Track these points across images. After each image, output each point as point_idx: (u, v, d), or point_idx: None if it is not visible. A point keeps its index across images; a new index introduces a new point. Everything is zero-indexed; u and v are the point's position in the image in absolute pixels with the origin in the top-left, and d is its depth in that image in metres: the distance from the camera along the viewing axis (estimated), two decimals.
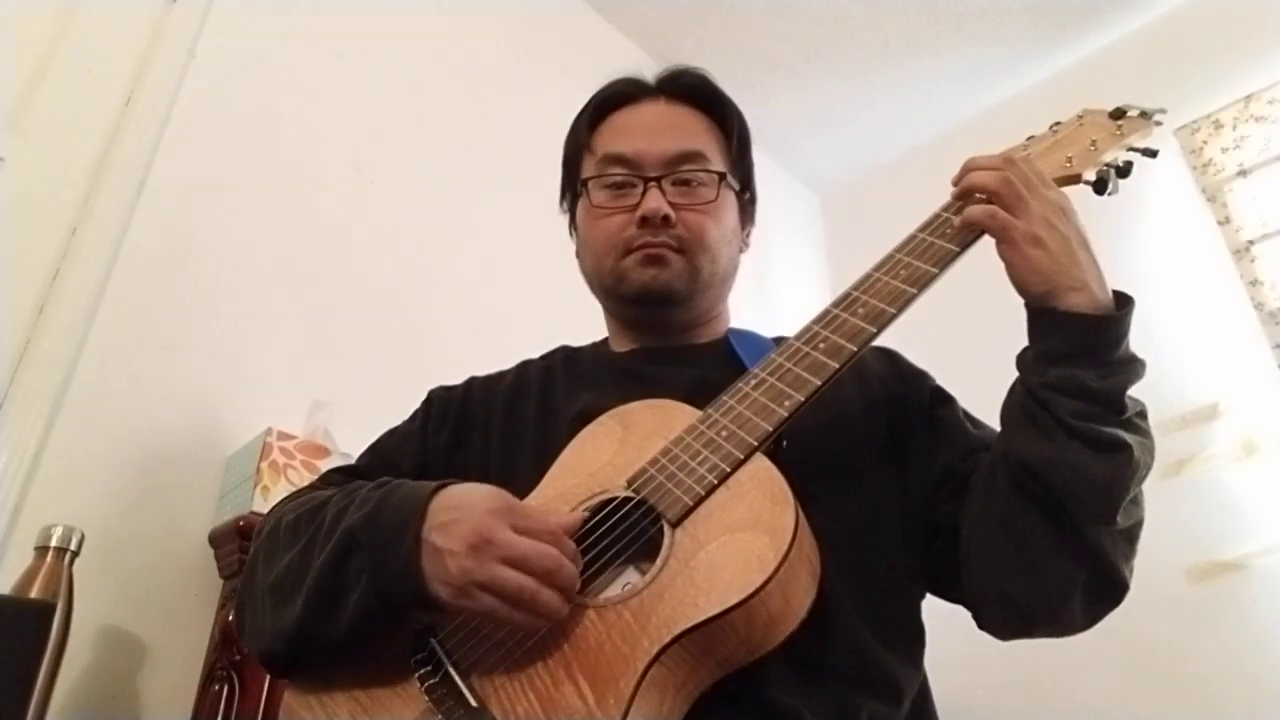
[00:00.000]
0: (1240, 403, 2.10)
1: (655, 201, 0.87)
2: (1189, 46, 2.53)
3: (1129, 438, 0.65)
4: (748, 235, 1.00)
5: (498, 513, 0.63)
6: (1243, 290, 2.21)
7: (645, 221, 0.87)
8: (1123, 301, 0.69)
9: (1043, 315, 0.68)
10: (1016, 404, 0.70)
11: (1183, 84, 2.45)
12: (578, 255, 0.98)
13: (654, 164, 0.89)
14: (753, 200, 0.99)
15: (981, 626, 0.76)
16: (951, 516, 0.76)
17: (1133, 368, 0.67)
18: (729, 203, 0.93)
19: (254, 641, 0.73)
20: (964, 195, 0.74)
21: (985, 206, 0.70)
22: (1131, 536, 0.69)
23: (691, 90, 0.95)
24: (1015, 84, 2.89)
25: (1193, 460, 2.10)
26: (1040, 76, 2.85)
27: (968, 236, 0.72)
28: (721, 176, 0.91)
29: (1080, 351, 0.66)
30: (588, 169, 0.94)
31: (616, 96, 0.95)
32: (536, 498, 0.73)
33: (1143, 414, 0.69)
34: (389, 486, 0.70)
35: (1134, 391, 0.68)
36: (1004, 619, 0.74)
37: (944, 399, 0.86)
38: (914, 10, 2.63)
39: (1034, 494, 0.68)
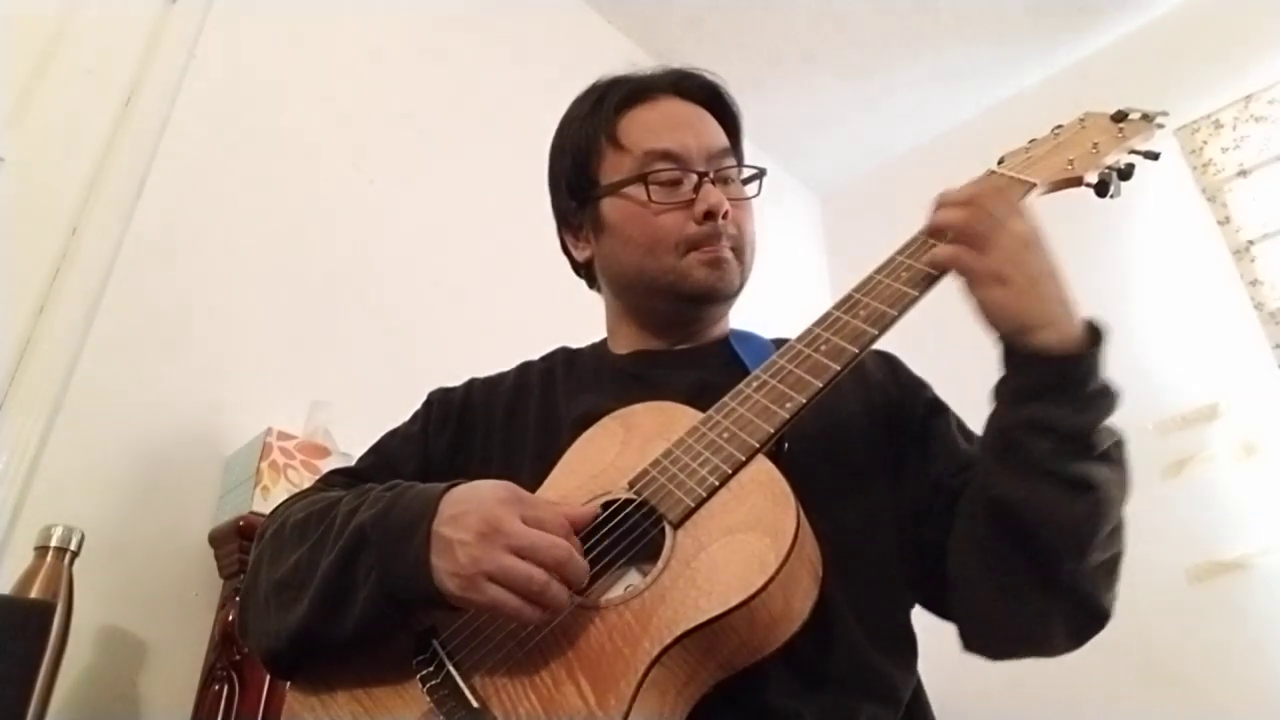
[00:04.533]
0: (1240, 403, 2.10)
1: (717, 196, 0.86)
2: (1189, 46, 2.53)
3: (1100, 477, 0.65)
4: None
5: (507, 502, 0.63)
6: (1243, 290, 2.22)
7: (708, 216, 0.85)
8: (1097, 331, 0.67)
9: (1013, 352, 0.67)
10: (991, 440, 0.70)
11: (1183, 84, 2.45)
12: (600, 254, 0.94)
13: (701, 159, 0.88)
14: None
15: (967, 648, 0.76)
16: (940, 535, 0.76)
17: (1105, 402, 0.66)
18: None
19: (257, 642, 0.73)
20: (934, 233, 0.72)
21: (950, 247, 0.69)
22: (1111, 567, 0.69)
23: (703, 91, 0.95)
24: (1015, 84, 2.89)
25: (1193, 460, 2.10)
26: (1040, 76, 2.85)
27: None
28: (761, 173, 0.93)
29: (1050, 390, 0.65)
30: (618, 165, 0.90)
31: (636, 91, 0.93)
32: None
33: (1120, 444, 0.68)
34: (401, 487, 0.70)
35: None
36: (986, 644, 0.75)
37: (937, 409, 0.86)
38: (914, 10, 2.63)
39: (1009, 530, 0.68)
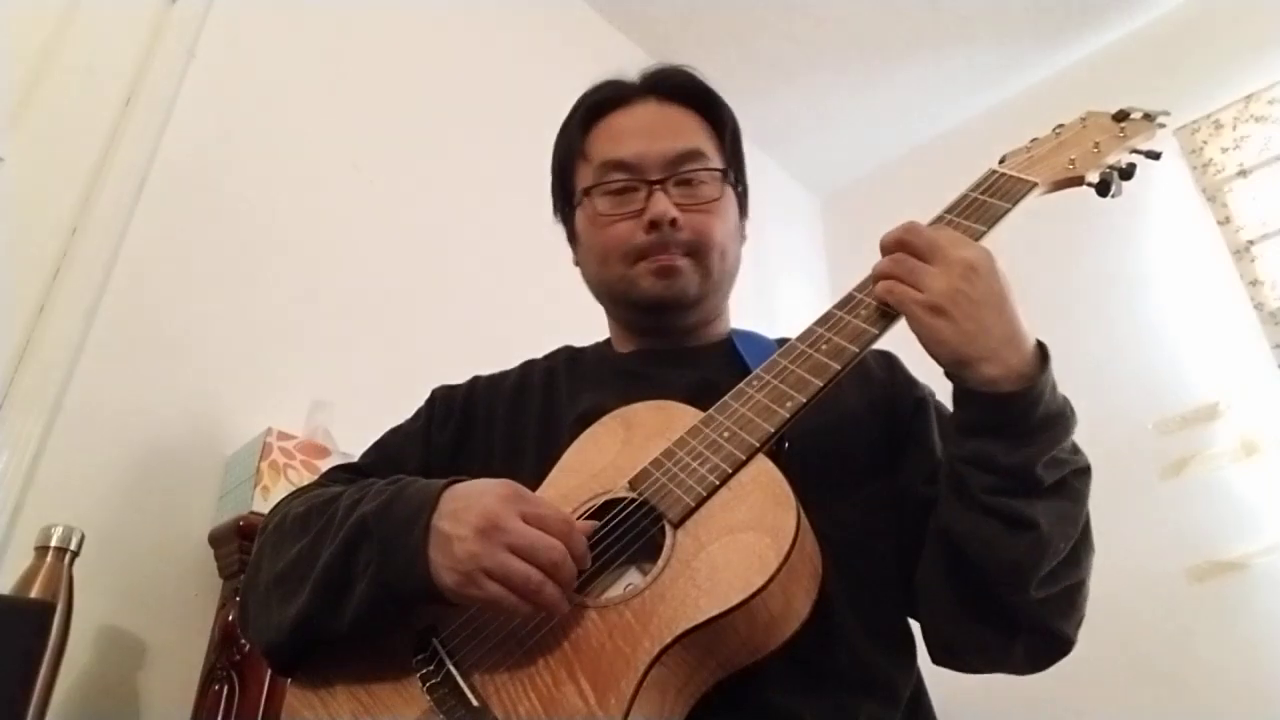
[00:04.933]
0: (1240, 403, 2.10)
1: (662, 205, 0.86)
2: (1189, 46, 2.53)
3: (1042, 514, 0.64)
4: (744, 227, 0.99)
5: (508, 500, 0.63)
6: (1243, 290, 2.22)
7: (654, 226, 0.85)
8: (1047, 357, 0.66)
9: (956, 385, 0.67)
10: (944, 470, 0.71)
11: (1183, 84, 2.46)
12: (579, 263, 0.97)
13: (655, 166, 0.88)
14: (745, 191, 0.99)
15: (934, 661, 0.77)
16: (912, 542, 0.76)
17: (1052, 433, 0.65)
18: (730, 199, 0.93)
19: (258, 635, 0.73)
20: (875, 280, 0.71)
21: (885, 282, 0.69)
22: (1067, 596, 0.68)
23: (682, 89, 0.94)
24: (1016, 84, 2.89)
25: (1193, 460, 2.10)
26: (1041, 76, 2.86)
27: None
28: (724, 174, 0.91)
29: (991, 426, 0.65)
30: (585, 176, 0.92)
31: (607, 100, 0.94)
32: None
33: (1080, 471, 0.67)
34: (403, 482, 0.70)
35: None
36: (948, 660, 0.76)
37: (922, 411, 0.85)
38: (914, 10, 2.63)
39: (957, 559, 0.69)
